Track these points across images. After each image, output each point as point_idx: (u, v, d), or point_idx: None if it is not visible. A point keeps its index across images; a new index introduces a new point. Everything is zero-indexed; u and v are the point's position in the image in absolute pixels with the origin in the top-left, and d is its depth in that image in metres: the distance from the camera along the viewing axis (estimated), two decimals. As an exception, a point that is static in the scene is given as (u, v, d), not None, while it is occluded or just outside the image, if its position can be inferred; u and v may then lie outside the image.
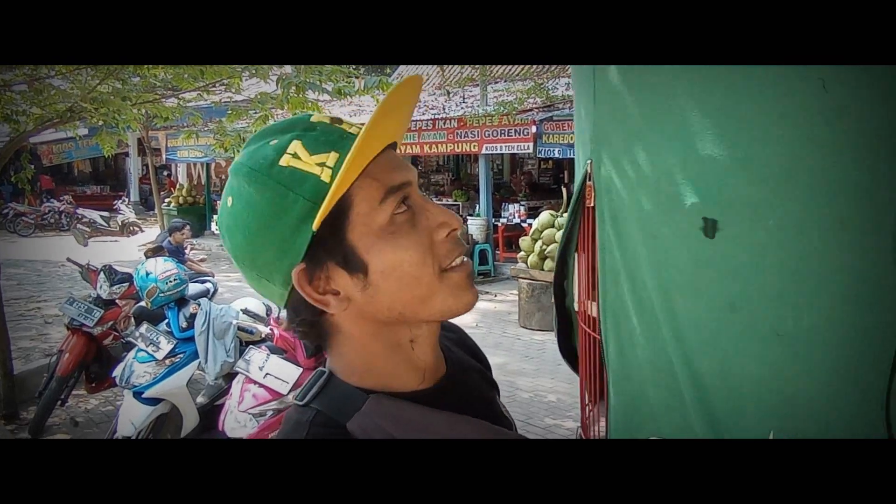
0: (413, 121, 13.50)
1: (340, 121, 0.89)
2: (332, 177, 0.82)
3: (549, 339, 8.62)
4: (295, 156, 0.84)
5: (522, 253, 9.38)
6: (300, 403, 0.91)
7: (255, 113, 7.18)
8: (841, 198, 0.72)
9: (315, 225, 0.82)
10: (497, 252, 12.96)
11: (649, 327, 0.82)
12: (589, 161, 0.86)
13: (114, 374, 4.74)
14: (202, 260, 8.71)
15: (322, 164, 0.83)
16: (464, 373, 1.02)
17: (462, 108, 13.30)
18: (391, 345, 0.91)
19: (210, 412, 4.76)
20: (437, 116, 13.20)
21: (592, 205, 0.88)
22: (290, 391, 3.89)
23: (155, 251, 6.99)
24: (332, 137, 0.85)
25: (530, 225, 10.09)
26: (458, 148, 13.26)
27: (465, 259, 0.90)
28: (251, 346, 4.45)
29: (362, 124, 0.84)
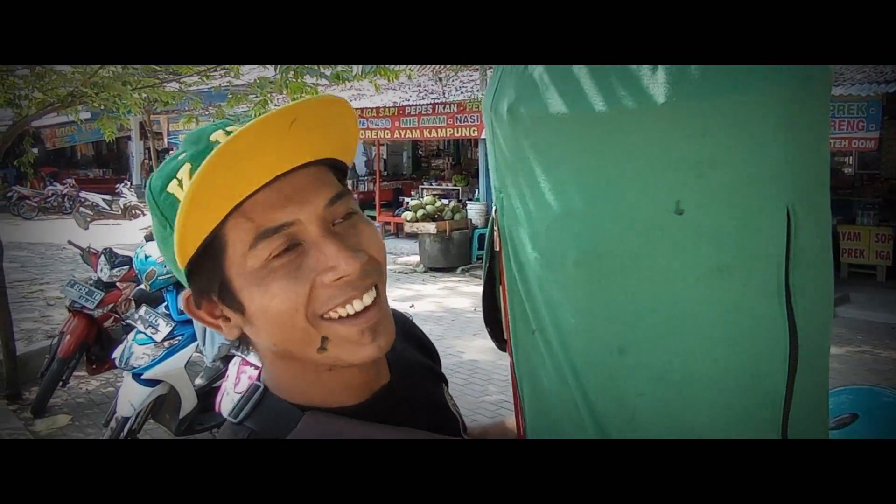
0: (413, 105, 13.50)
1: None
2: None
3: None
4: (180, 183, 0.79)
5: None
6: (234, 421, 0.87)
7: (255, 97, 7.22)
8: (718, 247, 0.75)
9: (180, 264, 0.80)
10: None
11: (554, 366, 0.85)
12: (494, 208, 0.91)
13: (113, 356, 4.81)
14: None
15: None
16: (406, 378, 0.96)
17: (461, 92, 13.31)
18: (310, 370, 0.86)
19: (208, 394, 4.81)
20: (436, 101, 13.20)
21: (498, 249, 0.91)
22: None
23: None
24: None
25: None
26: (457, 133, 13.27)
27: (362, 308, 0.81)
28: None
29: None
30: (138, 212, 19.63)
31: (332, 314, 0.80)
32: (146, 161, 23.10)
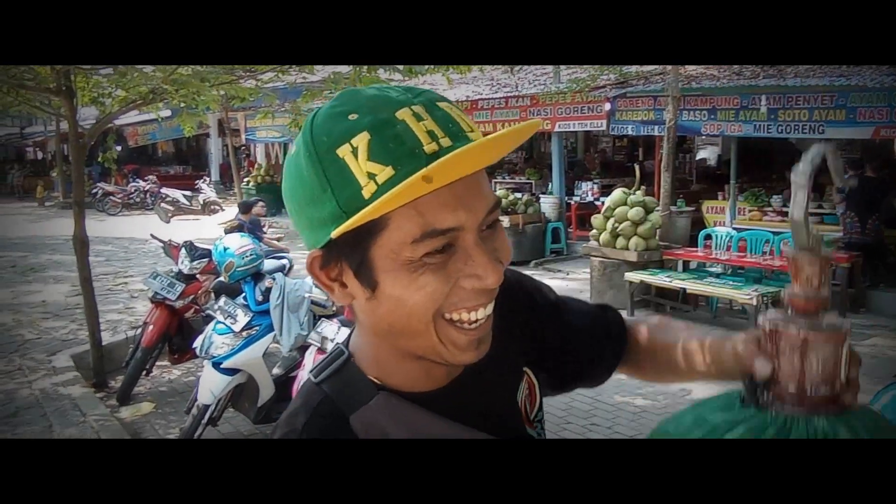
0: (485, 99, 13.47)
1: (433, 132, 0.77)
2: (373, 197, 0.75)
3: (620, 318, 8.58)
4: (354, 151, 0.76)
5: (594, 231, 9.31)
6: (314, 380, 0.91)
7: (330, 93, 7.32)
8: None
9: (334, 234, 0.77)
10: (570, 230, 12.88)
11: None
12: None
13: (194, 346, 4.94)
14: (279, 238, 8.95)
15: (371, 176, 0.75)
16: (481, 372, 0.94)
17: (535, 85, 13.21)
18: (401, 354, 0.88)
19: (285, 383, 4.91)
20: (509, 94, 13.15)
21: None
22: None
23: (235, 228, 7.22)
24: (400, 150, 0.76)
25: (603, 203, 9.99)
26: (530, 126, 13.16)
27: (479, 322, 0.83)
28: (324, 318, 4.57)
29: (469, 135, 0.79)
30: (217, 207, 20.14)
31: (455, 315, 0.82)
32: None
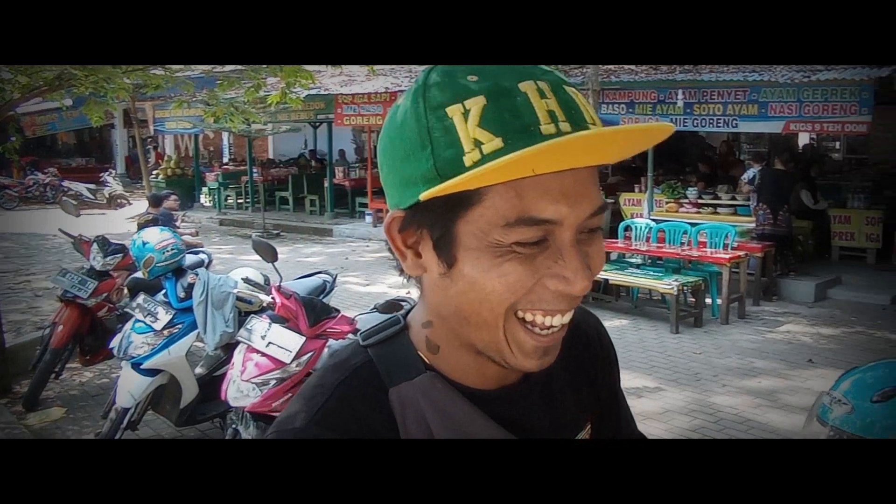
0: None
1: (559, 114, 0.72)
2: (475, 164, 0.70)
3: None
4: (465, 114, 0.71)
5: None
6: (361, 343, 0.87)
7: (248, 83, 7.08)
8: None
9: (423, 196, 0.73)
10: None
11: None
12: None
13: (111, 346, 4.69)
14: (194, 233, 8.62)
15: (477, 144, 0.70)
16: (539, 387, 0.91)
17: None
18: (459, 343, 0.83)
19: (209, 383, 4.72)
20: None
21: None
22: (294, 360, 3.85)
23: (149, 222, 6.91)
24: (515, 123, 0.70)
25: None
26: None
27: (553, 330, 0.77)
28: (252, 315, 4.40)
29: (581, 126, 0.72)
30: (124, 201, 19.44)
31: (529, 316, 0.76)
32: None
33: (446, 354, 0.85)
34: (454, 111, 0.71)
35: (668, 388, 6.04)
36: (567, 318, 0.78)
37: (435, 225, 0.76)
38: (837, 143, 15.43)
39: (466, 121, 0.71)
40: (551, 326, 0.77)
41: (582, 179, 0.73)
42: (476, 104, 0.71)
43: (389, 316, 0.90)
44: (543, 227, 0.72)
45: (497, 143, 0.69)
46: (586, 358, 1.02)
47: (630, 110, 10.67)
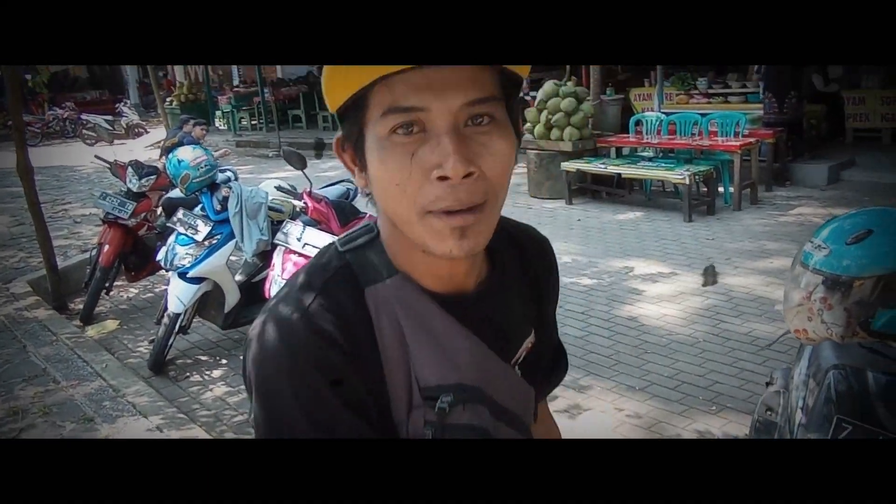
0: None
1: None
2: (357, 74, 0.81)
3: (560, 207, 8.88)
4: None
5: (528, 125, 9.45)
6: (339, 248, 0.94)
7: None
8: None
9: (330, 109, 0.87)
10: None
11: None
12: None
13: (158, 258, 5.02)
14: (226, 153, 8.89)
15: None
16: (495, 296, 0.98)
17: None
18: (408, 243, 0.89)
19: (249, 289, 5.08)
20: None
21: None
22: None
23: (175, 144, 7.17)
24: None
25: (534, 98, 10.11)
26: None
27: (455, 212, 0.81)
28: (288, 220, 4.67)
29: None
30: (142, 130, 19.58)
31: (434, 208, 0.82)
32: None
33: (404, 259, 0.92)
34: None
35: (681, 272, 6.17)
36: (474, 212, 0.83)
37: (350, 135, 0.88)
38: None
39: None
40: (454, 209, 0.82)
41: (450, 76, 0.80)
42: None
43: (364, 224, 0.98)
44: (411, 114, 0.80)
45: None
46: (535, 275, 1.08)
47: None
